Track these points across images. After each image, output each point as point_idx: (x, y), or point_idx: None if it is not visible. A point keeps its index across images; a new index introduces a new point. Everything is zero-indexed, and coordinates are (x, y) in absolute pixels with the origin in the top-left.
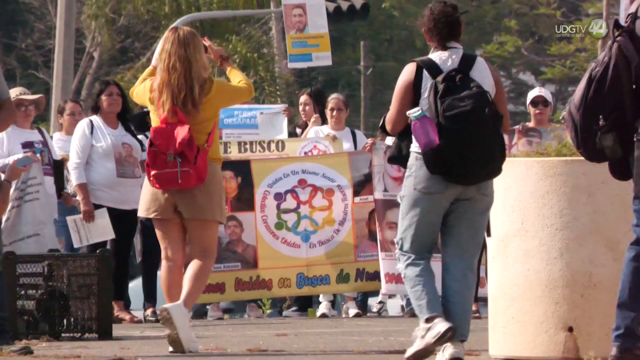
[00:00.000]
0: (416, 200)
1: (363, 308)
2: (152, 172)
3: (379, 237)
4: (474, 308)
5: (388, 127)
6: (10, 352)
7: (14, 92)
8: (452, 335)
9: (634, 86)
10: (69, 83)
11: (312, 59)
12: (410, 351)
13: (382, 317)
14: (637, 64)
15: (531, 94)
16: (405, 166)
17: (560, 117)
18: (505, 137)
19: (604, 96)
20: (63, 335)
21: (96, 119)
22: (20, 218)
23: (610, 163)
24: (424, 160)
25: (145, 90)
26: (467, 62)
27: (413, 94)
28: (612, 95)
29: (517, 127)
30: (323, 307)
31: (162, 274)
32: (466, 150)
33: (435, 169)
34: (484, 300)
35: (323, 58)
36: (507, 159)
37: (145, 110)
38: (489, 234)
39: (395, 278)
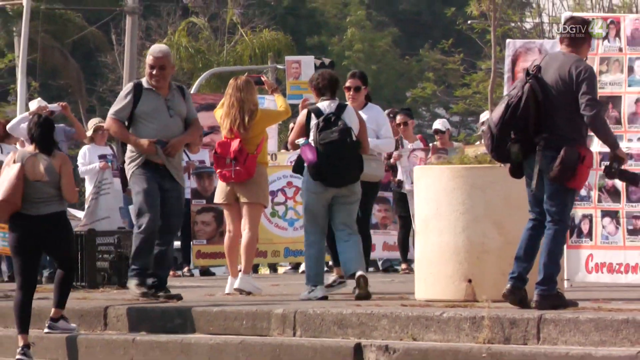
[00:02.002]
0: (308, 198)
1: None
2: (218, 170)
3: None
4: (404, 266)
5: (289, 145)
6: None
7: (94, 121)
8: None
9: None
10: None
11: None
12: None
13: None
14: (543, 98)
15: (434, 126)
16: (302, 175)
17: (480, 131)
18: (423, 153)
19: (516, 119)
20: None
21: None
22: (97, 206)
23: (511, 166)
24: (309, 171)
25: (218, 117)
26: (340, 108)
27: (304, 129)
28: (522, 119)
29: (432, 144)
30: (304, 266)
31: (225, 241)
32: (332, 166)
33: (315, 177)
34: (412, 261)
35: (311, 98)
36: (427, 166)
37: None
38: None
39: None
